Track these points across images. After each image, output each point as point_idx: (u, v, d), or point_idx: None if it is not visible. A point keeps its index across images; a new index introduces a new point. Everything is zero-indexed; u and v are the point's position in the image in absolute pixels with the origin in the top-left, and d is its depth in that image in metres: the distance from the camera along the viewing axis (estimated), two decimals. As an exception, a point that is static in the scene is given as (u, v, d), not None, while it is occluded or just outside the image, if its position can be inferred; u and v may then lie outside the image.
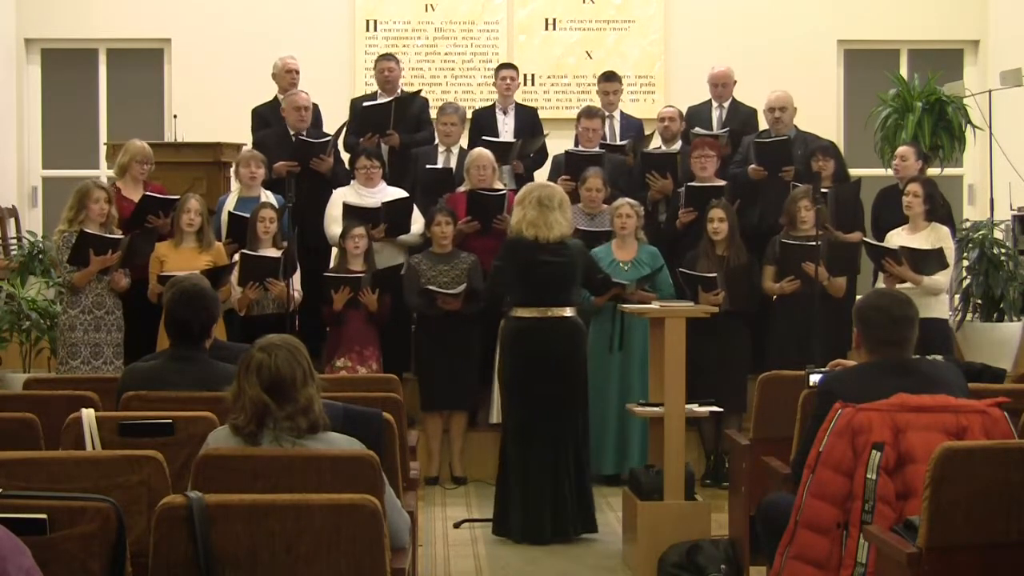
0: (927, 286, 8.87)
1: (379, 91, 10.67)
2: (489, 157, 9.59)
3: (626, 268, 9.01)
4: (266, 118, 10.33)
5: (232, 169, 9.92)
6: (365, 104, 10.46)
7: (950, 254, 9.07)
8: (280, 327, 8.40)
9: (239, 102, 10.83)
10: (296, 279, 9.09)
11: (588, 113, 10.31)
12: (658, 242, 9.38)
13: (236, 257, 9.06)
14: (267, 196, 9.49)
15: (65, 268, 8.75)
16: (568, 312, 7.59)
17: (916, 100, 11.01)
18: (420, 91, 11.09)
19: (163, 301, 5.65)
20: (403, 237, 9.61)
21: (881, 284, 8.88)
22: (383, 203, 9.49)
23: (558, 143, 10.57)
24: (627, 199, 9.23)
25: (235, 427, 4.13)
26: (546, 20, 12.92)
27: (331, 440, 4.14)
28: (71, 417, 4.68)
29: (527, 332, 7.55)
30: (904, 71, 12.63)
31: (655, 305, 7.98)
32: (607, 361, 8.93)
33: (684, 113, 10.58)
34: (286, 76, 10.48)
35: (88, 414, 4.67)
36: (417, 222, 9.60)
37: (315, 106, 10.33)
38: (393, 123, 10.19)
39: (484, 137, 10.17)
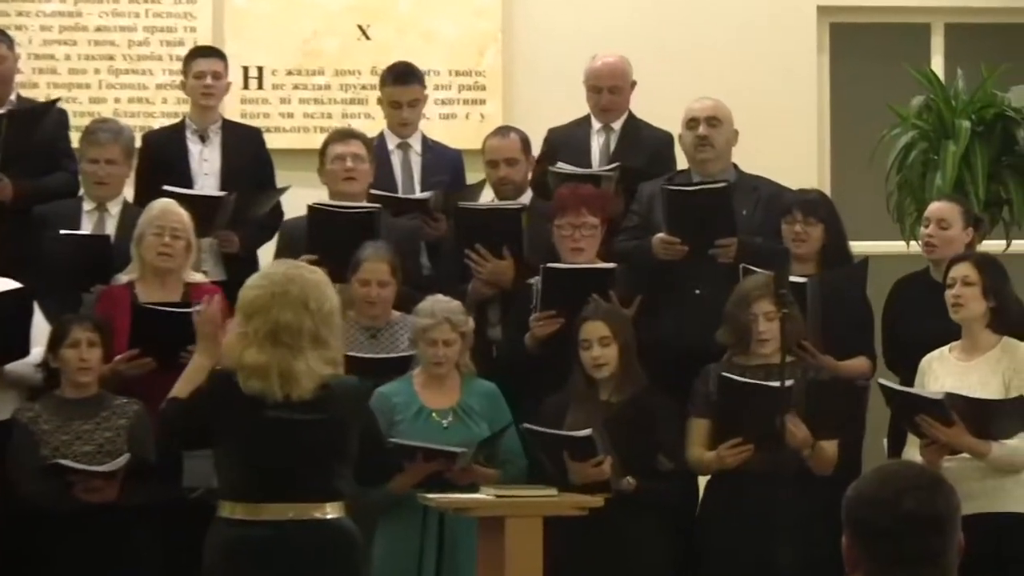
0: (1000, 459, 8.95)
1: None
2: (184, 220, 9.60)
3: (446, 424, 9.26)
4: None
5: None
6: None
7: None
8: None
9: None
10: None
11: (341, 137, 10.44)
12: (492, 376, 9.45)
13: None
14: None
15: None
16: (329, 512, 7.49)
17: (960, 116, 11.16)
18: (58, 100, 11.31)
19: None
20: (10, 367, 9.54)
21: (915, 453, 8.94)
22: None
23: (308, 194, 10.51)
24: (441, 303, 9.19)
25: None
26: (283, -29, 13.18)
27: None
28: None
29: (252, 549, 7.42)
30: (938, 65, 12.90)
31: (488, 494, 8.16)
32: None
33: (542, 141, 10.80)
34: None
35: None
36: (40, 343, 9.54)
37: None
38: (2, 159, 10.27)
39: (166, 188, 10.13)
